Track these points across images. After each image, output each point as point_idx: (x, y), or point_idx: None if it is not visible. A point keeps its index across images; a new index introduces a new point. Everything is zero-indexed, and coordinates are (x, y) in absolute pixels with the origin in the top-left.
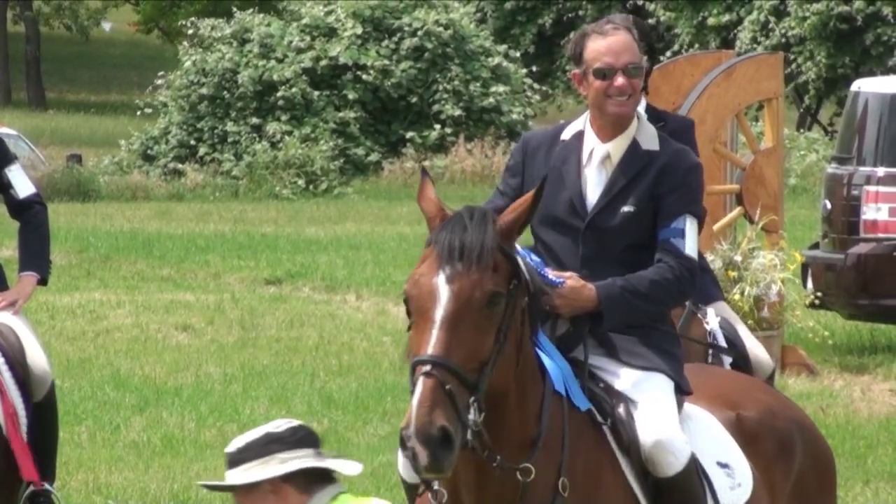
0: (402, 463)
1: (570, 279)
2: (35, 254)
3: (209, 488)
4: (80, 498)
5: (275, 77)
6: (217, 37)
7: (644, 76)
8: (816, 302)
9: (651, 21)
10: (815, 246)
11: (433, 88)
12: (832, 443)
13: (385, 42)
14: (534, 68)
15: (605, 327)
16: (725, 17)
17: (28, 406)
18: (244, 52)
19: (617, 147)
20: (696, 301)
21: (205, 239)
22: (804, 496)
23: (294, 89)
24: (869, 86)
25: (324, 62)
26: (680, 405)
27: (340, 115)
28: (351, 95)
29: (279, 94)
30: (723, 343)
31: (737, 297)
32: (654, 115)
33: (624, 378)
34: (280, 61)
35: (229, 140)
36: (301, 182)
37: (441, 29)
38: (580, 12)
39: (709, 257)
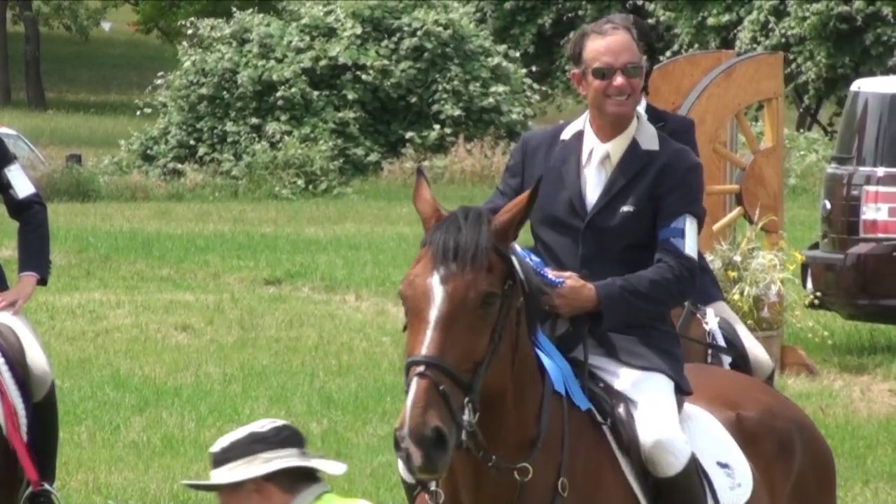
0: (401, 463)
1: (569, 279)
2: (35, 254)
3: (193, 488)
4: (80, 498)
5: (274, 77)
6: (216, 37)
7: (644, 76)
8: (816, 302)
9: (651, 21)
10: (815, 246)
11: (433, 88)
12: (832, 443)
13: (384, 42)
14: (533, 68)
15: (605, 327)
16: (725, 17)
17: (28, 406)
18: (244, 52)
19: (616, 147)
20: (696, 301)
21: (204, 239)
22: (804, 496)
23: (293, 89)
24: (869, 86)
25: (323, 62)
26: (680, 405)
27: (340, 115)
28: (350, 95)
29: (279, 94)
30: (722, 343)
31: (736, 297)
32: (655, 115)
33: (624, 378)
34: (279, 61)
35: (229, 140)
36: (300, 182)
37: (440, 29)
38: (580, 12)
39: (708, 257)
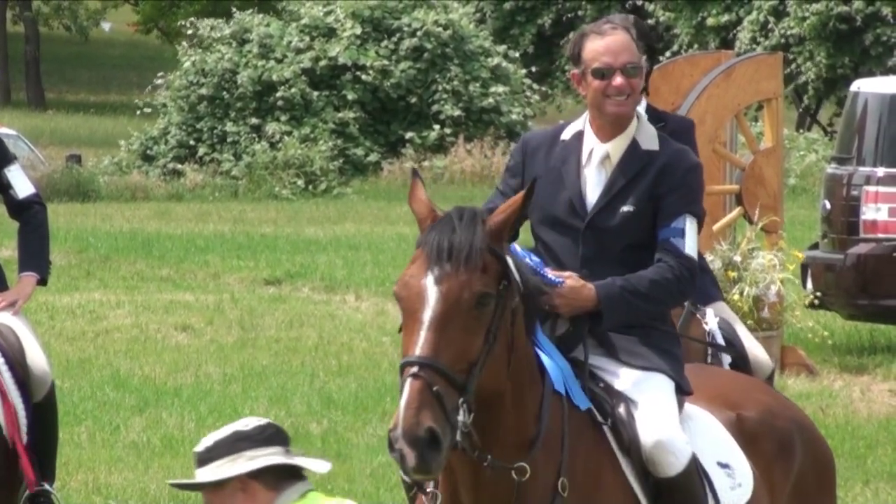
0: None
1: (569, 279)
2: (35, 254)
3: (178, 487)
4: (80, 498)
5: (274, 77)
6: (216, 37)
7: (645, 77)
8: (816, 302)
9: (650, 21)
10: (815, 246)
11: (432, 89)
12: (832, 443)
13: (384, 42)
14: (533, 68)
15: (605, 327)
16: (725, 18)
17: (28, 406)
18: (243, 53)
19: (616, 147)
20: (696, 301)
21: (204, 239)
22: (804, 496)
23: (293, 89)
24: (868, 86)
25: (323, 62)
26: (680, 405)
27: (340, 115)
28: (350, 96)
29: (278, 94)
30: (722, 343)
31: (736, 297)
32: (655, 115)
33: (624, 378)
34: (279, 61)
35: (229, 140)
36: (300, 182)
37: (440, 29)
38: (579, 12)
39: (708, 257)
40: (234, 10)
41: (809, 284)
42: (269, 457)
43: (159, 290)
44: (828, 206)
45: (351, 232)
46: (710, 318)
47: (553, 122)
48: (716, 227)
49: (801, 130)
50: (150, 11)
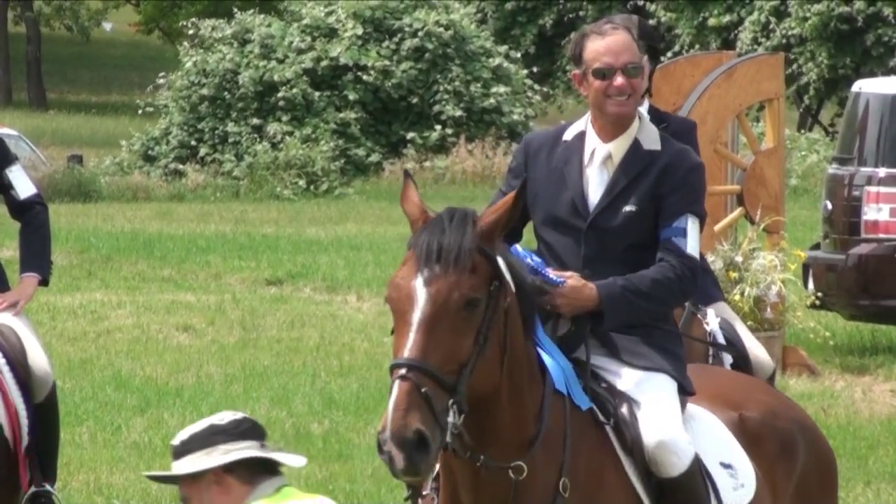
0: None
1: (570, 279)
2: (36, 254)
3: (154, 479)
4: (82, 498)
5: (275, 77)
6: (218, 37)
7: (648, 77)
8: (817, 303)
9: (651, 22)
10: (816, 246)
11: (434, 89)
12: (833, 443)
13: (386, 43)
14: (534, 69)
15: (607, 327)
16: (726, 18)
17: (29, 407)
18: (245, 53)
19: (618, 147)
20: (697, 302)
21: (206, 239)
22: (806, 496)
23: (295, 90)
24: (870, 86)
25: (324, 63)
26: (683, 405)
27: (341, 115)
28: (352, 96)
29: (280, 94)
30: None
31: (737, 297)
32: (657, 116)
33: (626, 378)
34: (281, 62)
35: (230, 140)
36: (302, 183)
37: (442, 29)
38: (581, 13)
39: (710, 258)
40: (235, 10)
41: (811, 285)
42: (243, 451)
43: (161, 291)
44: (829, 206)
45: (352, 232)
46: (712, 319)
47: (554, 123)
48: (717, 227)
49: (803, 131)
50: (151, 12)
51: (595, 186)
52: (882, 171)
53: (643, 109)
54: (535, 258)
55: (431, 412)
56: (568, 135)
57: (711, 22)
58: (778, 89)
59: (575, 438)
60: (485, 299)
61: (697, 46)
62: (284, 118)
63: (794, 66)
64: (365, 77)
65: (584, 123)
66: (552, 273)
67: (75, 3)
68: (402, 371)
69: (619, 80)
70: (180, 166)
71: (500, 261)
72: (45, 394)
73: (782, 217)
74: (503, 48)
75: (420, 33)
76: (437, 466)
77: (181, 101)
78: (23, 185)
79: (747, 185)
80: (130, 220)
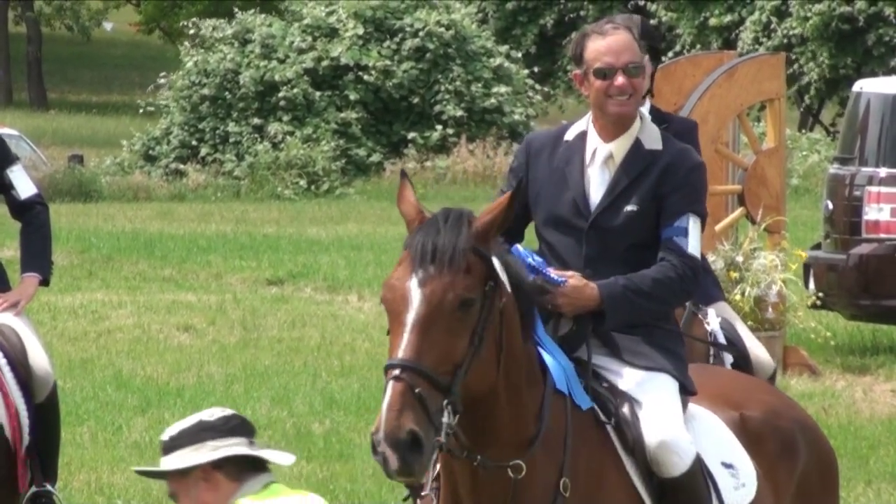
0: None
1: (572, 278)
2: (37, 254)
3: (142, 474)
4: (83, 498)
5: (276, 77)
6: (218, 37)
7: (650, 78)
8: (818, 303)
9: (653, 21)
10: (817, 246)
11: (435, 89)
12: (834, 443)
13: (387, 42)
14: (535, 69)
15: (608, 326)
16: (727, 18)
17: (30, 407)
18: (246, 53)
19: (620, 147)
20: (697, 301)
21: (206, 239)
22: (807, 496)
23: (296, 90)
24: (871, 86)
25: (325, 63)
26: (684, 405)
27: (342, 115)
28: (352, 96)
29: (281, 94)
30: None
31: (738, 297)
32: (658, 116)
33: (628, 378)
34: (282, 62)
35: (231, 140)
36: (303, 182)
37: (443, 29)
38: (582, 13)
39: (711, 258)
40: (236, 10)
41: (812, 285)
42: (231, 447)
43: (161, 291)
44: (830, 206)
45: (353, 232)
46: (712, 319)
47: (555, 123)
48: (718, 227)
49: (804, 131)
50: (152, 11)
51: (596, 186)
52: (883, 171)
53: (645, 110)
54: (537, 258)
55: (425, 413)
56: (569, 135)
57: (712, 22)
58: (779, 89)
59: (576, 438)
60: (480, 299)
61: (698, 46)
62: (285, 118)
63: (796, 66)
64: (366, 77)
65: (585, 123)
66: (553, 273)
67: (76, 2)
68: (396, 372)
69: (620, 79)
70: (181, 166)
71: (495, 261)
72: (45, 394)
73: (783, 217)
74: (504, 48)
75: (421, 33)
76: (438, 467)
77: (182, 101)
78: (23, 185)
79: (748, 185)
80: (131, 220)
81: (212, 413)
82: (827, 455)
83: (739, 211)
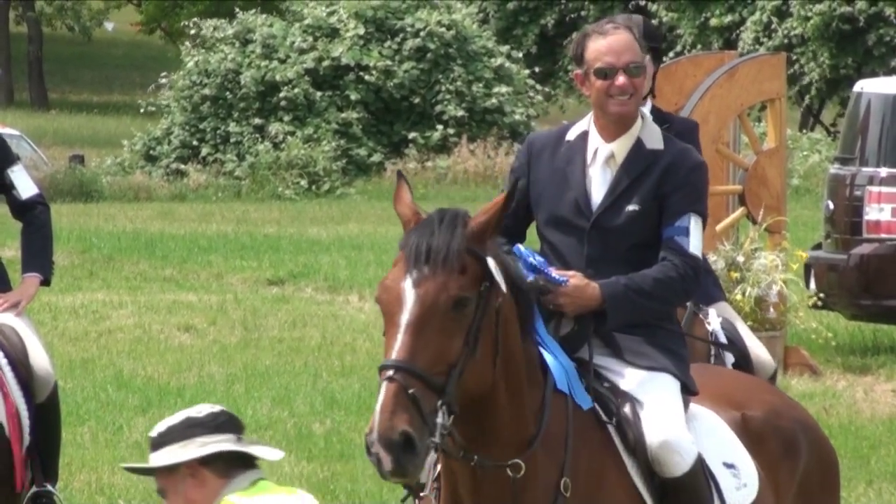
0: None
1: (573, 278)
2: (38, 254)
3: (131, 471)
4: (83, 498)
5: (277, 77)
6: (219, 37)
7: (651, 78)
8: (819, 303)
9: (653, 21)
10: (818, 246)
11: (436, 89)
12: (835, 443)
13: (387, 43)
14: (536, 69)
15: (610, 326)
16: (728, 18)
17: (31, 407)
18: (247, 53)
19: (621, 146)
20: (698, 302)
21: (207, 239)
22: (808, 496)
23: (296, 90)
24: (871, 86)
25: (326, 63)
26: (686, 405)
27: (343, 115)
28: (353, 96)
29: (282, 94)
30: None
31: (738, 297)
32: (659, 117)
33: (629, 378)
34: (282, 62)
35: (232, 140)
36: (303, 182)
37: (443, 29)
38: (582, 13)
39: (711, 258)
40: (237, 10)
41: (812, 285)
42: (219, 443)
43: (162, 291)
44: (831, 206)
45: (354, 232)
46: (713, 319)
47: (556, 123)
48: (719, 227)
49: (805, 131)
50: (153, 11)
51: (598, 186)
52: (884, 171)
53: (646, 110)
54: (538, 258)
55: (419, 413)
56: (571, 135)
57: (713, 22)
58: (780, 89)
59: (577, 438)
60: (474, 300)
61: (699, 46)
62: (286, 118)
63: (796, 66)
64: (367, 77)
65: (586, 123)
66: (555, 272)
67: (77, 2)
68: (390, 373)
69: (620, 79)
70: (182, 166)
71: (490, 261)
72: (46, 394)
73: (784, 217)
74: (505, 48)
75: (422, 33)
76: (439, 467)
77: (183, 101)
78: (24, 185)
79: (749, 185)
80: (132, 220)
81: (200, 409)
82: (828, 455)
83: (740, 211)
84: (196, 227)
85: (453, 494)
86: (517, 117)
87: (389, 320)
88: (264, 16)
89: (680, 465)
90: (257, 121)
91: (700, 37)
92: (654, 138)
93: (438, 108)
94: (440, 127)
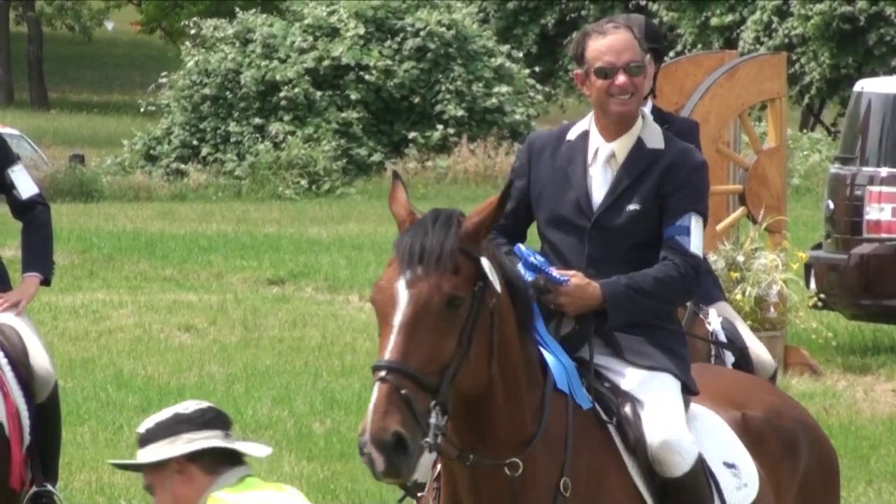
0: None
1: (574, 277)
2: (38, 254)
3: (119, 467)
4: (83, 498)
5: (277, 77)
6: (220, 37)
7: (652, 78)
8: (819, 303)
9: (654, 21)
10: (818, 246)
11: (436, 89)
12: (835, 443)
13: (388, 42)
14: (536, 68)
15: (611, 325)
16: (728, 18)
17: (31, 407)
18: (247, 53)
19: (622, 146)
20: (698, 302)
21: (207, 239)
22: (809, 496)
23: (297, 89)
24: (872, 86)
25: (326, 62)
26: (686, 405)
27: (343, 115)
28: (353, 96)
29: (282, 94)
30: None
31: (739, 297)
32: (660, 117)
33: (630, 378)
34: (283, 61)
35: (232, 140)
36: (304, 182)
37: (444, 29)
38: (583, 12)
39: (711, 258)
40: (237, 9)
41: (812, 285)
42: (207, 440)
43: (162, 290)
44: (831, 206)
45: (354, 232)
46: (713, 319)
47: (556, 122)
48: (719, 227)
49: (805, 130)
50: (153, 11)
51: (599, 185)
52: (884, 171)
53: (646, 110)
54: (539, 257)
55: (411, 414)
56: (571, 134)
57: (714, 21)
58: (780, 89)
59: (577, 438)
60: (468, 300)
61: (700, 46)
62: (286, 118)
63: (797, 66)
64: (367, 77)
65: (587, 123)
66: (556, 272)
67: (77, 2)
68: (382, 373)
69: (621, 78)
70: (182, 166)
71: (484, 261)
72: (46, 393)
73: (784, 217)
74: (505, 48)
75: (422, 33)
76: (439, 467)
77: (183, 101)
78: (25, 185)
79: (749, 185)
80: (132, 220)
81: (187, 406)
82: (828, 455)
83: (740, 211)
84: (196, 227)
85: (453, 494)
86: (517, 117)
87: (383, 321)
88: (264, 15)
89: (680, 465)
90: (257, 120)
91: (700, 36)
92: (655, 138)
93: (438, 107)
94: (440, 127)
